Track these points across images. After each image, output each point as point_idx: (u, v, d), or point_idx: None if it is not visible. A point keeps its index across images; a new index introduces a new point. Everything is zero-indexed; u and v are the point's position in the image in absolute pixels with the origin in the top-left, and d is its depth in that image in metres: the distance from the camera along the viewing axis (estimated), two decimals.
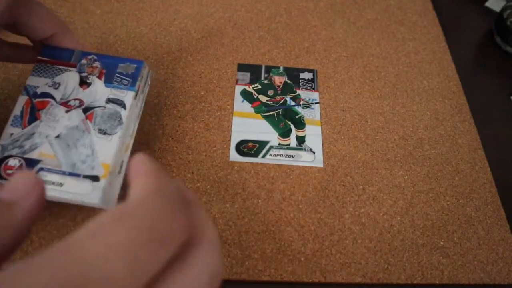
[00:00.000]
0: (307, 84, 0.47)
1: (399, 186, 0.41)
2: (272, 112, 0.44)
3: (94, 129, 0.27)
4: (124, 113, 0.28)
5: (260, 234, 0.37)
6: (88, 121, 0.27)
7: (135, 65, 0.30)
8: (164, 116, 0.42)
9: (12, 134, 0.26)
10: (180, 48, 0.48)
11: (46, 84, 0.28)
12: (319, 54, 0.50)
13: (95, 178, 0.26)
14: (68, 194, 0.25)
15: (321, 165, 0.41)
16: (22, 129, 0.26)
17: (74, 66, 0.29)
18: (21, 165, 0.25)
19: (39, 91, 0.28)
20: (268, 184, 0.39)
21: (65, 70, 0.29)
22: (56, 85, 0.28)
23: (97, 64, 0.30)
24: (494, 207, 0.41)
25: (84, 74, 0.29)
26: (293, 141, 0.42)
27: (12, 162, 0.25)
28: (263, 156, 0.41)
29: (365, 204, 0.39)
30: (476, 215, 0.40)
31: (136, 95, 0.29)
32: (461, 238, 0.39)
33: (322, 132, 0.44)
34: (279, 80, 0.47)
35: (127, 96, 0.29)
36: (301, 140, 0.43)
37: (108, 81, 0.29)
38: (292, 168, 0.41)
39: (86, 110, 0.28)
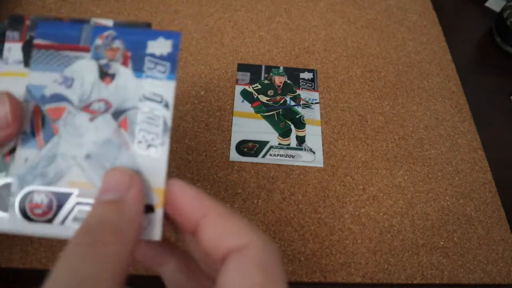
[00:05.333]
0: (307, 84, 0.47)
1: (399, 186, 0.41)
2: (272, 112, 0.44)
3: (133, 142, 0.20)
4: (168, 114, 0.20)
5: None
6: (122, 130, 0.20)
7: (171, 41, 0.21)
8: None
9: (27, 159, 0.20)
10: (180, 48, 0.48)
11: (55, 81, 0.21)
12: (319, 54, 0.50)
13: (148, 209, 0.19)
14: None
15: (321, 165, 0.41)
16: (39, 150, 0.20)
17: (87, 50, 0.21)
18: (50, 203, 0.19)
19: (48, 92, 0.20)
20: (268, 184, 0.39)
21: (76, 58, 0.21)
22: (68, 82, 0.21)
23: (118, 43, 0.21)
24: (494, 207, 0.41)
25: (103, 61, 0.21)
26: (293, 141, 0.42)
27: (37, 198, 0.19)
28: (263, 156, 0.41)
29: (365, 204, 0.39)
30: (476, 215, 0.40)
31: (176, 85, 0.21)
32: (461, 238, 0.39)
33: (322, 132, 0.44)
34: (279, 80, 0.47)
35: (167, 89, 0.21)
36: (301, 140, 0.43)
37: (138, 69, 0.21)
38: (292, 168, 0.41)
39: (116, 115, 0.20)
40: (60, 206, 0.19)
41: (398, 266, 0.36)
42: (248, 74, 0.47)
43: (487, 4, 0.62)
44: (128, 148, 0.20)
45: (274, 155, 0.41)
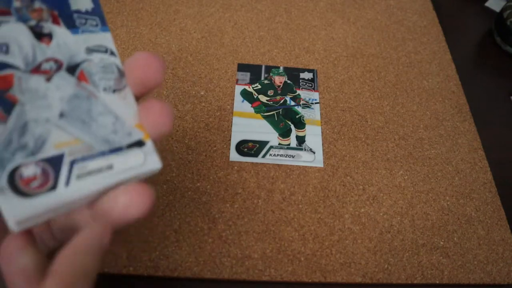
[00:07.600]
0: (307, 84, 0.47)
1: (399, 186, 0.41)
2: (272, 112, 0.44)
3: (99, 91, 0.20)
4: (117, 61, 0.21)
5: (260, 234, 0.37)
6: (84, 83, 0.20)
7: None
8: None
9: None
10: (180, 48, 0.48)
11: None
12: (319, 54, 0.50)
13: (140, 144, 0.20)
14: (124, 174, 0.20)
15: (321, 165, 0.41)
16: (4, 123, 0.18)
17: (8, 13, 0.19)
18: (45, 171, 0.18)
19: None
20: (268, 184, 0.39)
21: (1, 22, 0.19)
22: (3, 48, 0.19)
23: (39, 4, 0.20)
24: (494, 207, 0.41)
25: (32, 23, 0.20)
26: (293, 141, 0.42)
27: (29, 171, 0.18)
28: (263, 156, 0.41)
29: (365, 204, 0.39)
30: (476, 215, 0.40)
31: None
32: (461, 238, 0.39)
33: (322, 132, 0.44)
34: (279, 80, 0.47)
35: (107, 39, 0.21)
36: (301, 140, 0.43)
37: (72, 26, 0.20)
38: (292, 168, 0.41)
39: (70, 70, 0.20)
40: (57, 170, 0.18)
41: (398, 266, 0.36)
42: (248, 74, 0.47)
43: (487, 4, 0.62)
44: (96, 97, 0.20)
45: (274, 155, 0.41)
